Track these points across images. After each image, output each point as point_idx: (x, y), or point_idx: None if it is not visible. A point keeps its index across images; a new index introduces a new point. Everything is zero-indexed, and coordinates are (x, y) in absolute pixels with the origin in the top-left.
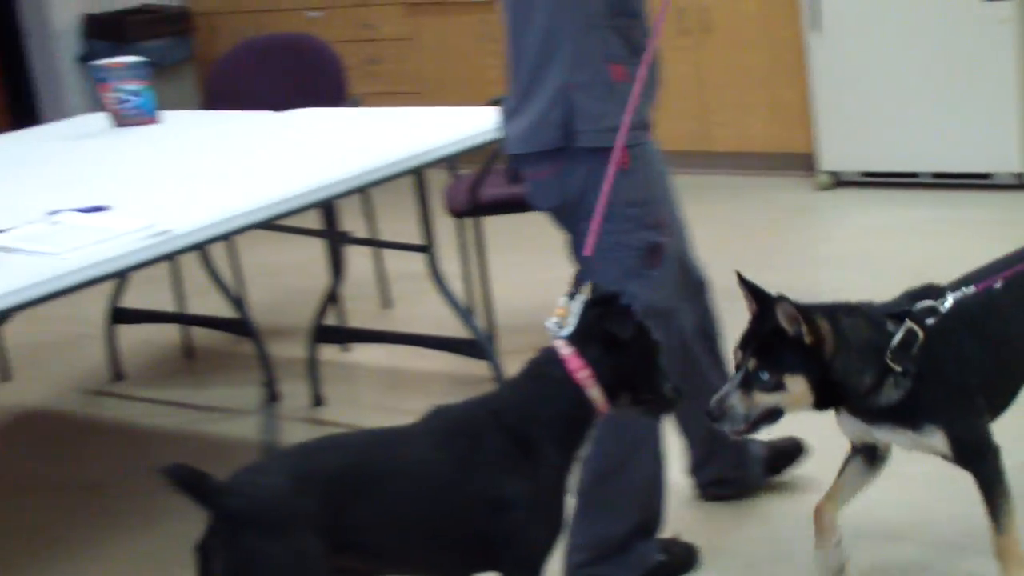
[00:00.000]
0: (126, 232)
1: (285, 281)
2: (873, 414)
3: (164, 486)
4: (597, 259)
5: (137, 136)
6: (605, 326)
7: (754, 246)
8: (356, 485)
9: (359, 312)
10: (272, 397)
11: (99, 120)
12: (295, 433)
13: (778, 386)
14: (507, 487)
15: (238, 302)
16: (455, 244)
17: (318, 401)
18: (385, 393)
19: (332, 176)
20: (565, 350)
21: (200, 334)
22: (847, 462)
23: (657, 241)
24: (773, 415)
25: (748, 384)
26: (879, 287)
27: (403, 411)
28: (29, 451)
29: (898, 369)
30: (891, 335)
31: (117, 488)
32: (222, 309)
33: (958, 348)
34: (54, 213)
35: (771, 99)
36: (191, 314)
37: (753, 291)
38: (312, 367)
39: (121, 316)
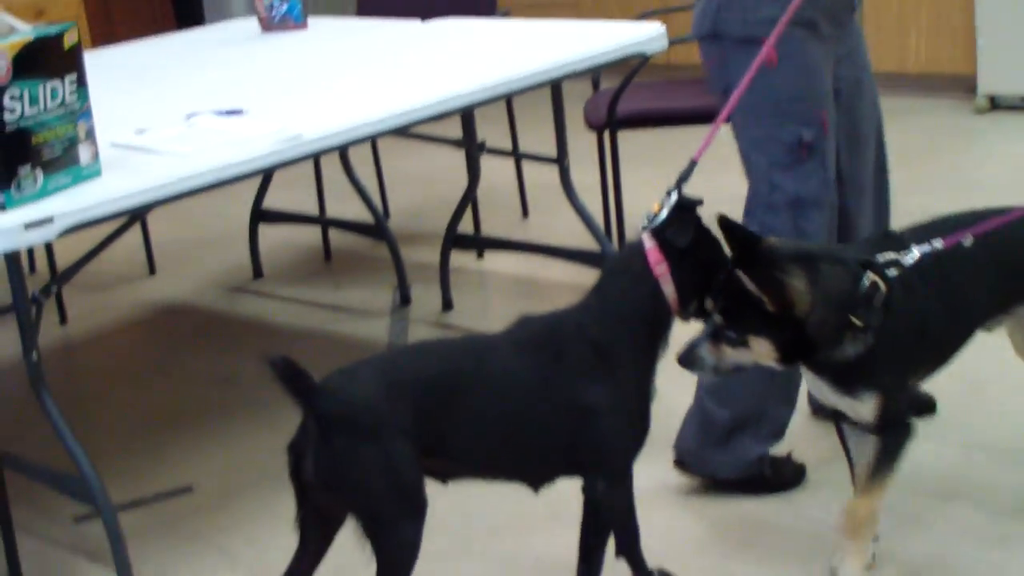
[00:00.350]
0: (256, 135)
1: (424, 188)
2: (822, 368)
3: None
4: (751, 149)
5: (282, 42)
6: (667, 233)
7: (907, 169)
8: (445, 392)
9: (495, 221)
10: (404, 300)
11: (250, 25)
12: (423, 336)
13: (743, 344)
14: (591, 394)
15: (376, 207)
16: (594, 158)
17: (448, 306)
18: (514, 302)
19: (467, 85)
20: (648, 242)
21: (338, 237)
22: (844, 440)
23: (806, 137)
24: (741, 368)
25: (717, 337)
26: None
27: None
28: (170, 343)
29: (859, 324)
30: (861, 287)
31: (252, 382)
32: (361, 213)
33: (917, 307)
34: (192, 116)
35: (933, 18)
36: (331, 217)
37: (733, 236)
38: (444, 273)
39: (263, 217)
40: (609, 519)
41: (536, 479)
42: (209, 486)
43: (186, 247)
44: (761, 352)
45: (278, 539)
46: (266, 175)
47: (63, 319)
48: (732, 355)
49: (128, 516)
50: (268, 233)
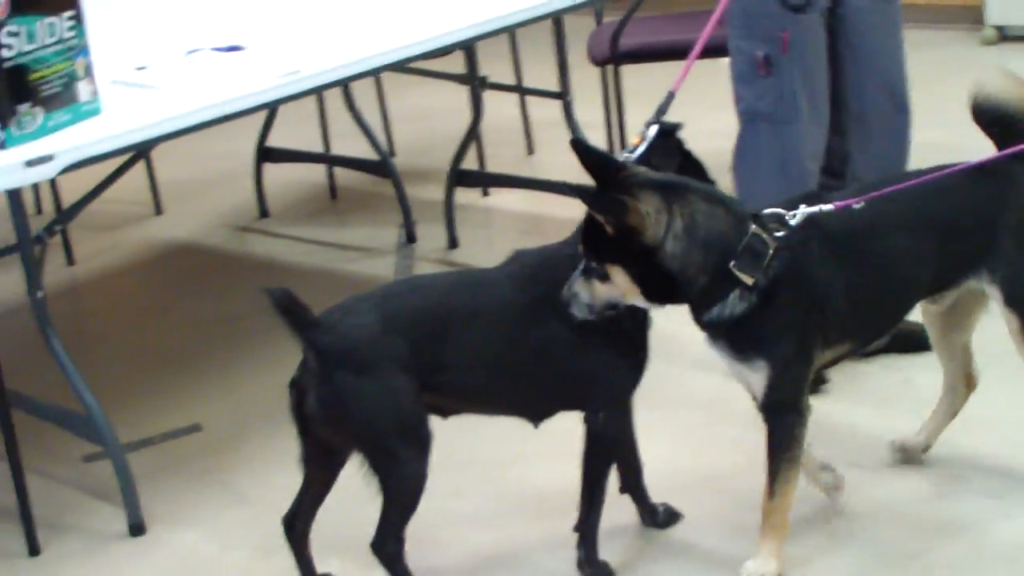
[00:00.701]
0: (257, 72)
1: (429, 125)
2: (713, 329)
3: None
4: (731, 57)
5: None
6: (652, 160)
7: (913, 100)
8: (441, 326)
9: (500, 158)
10: (410, 238)
11: None
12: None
13: (605, 276)
14: (587, 325)
15: (381, 145)
16: (598, 93)
17: (453, 244)
18: (519, 238)
19: (468, 19)
20: None
21: (343, 175)
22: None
23: (764, 52)
24: (615, 306)
25: (588, 272)
26: None
27: None
28: (176, 282)
29: (747, 280)
30: (743, 236)
31: (257, 321)
32: (366, 151)
33: (811, 273)
34: (191, 52)
35: None
36: (336, 155)
37: (587, 160)
38: (449, 210)
39: (269, 155)
40: (610, 452)
41: (535, 413)
42: (216, 425)
43: (192, 187)
44: (623, 286)
45: (285, 477)
46: (270, 113)
47: (70, 260)
48: (603, 291)
49: (136, 455)
50: (273, 172)
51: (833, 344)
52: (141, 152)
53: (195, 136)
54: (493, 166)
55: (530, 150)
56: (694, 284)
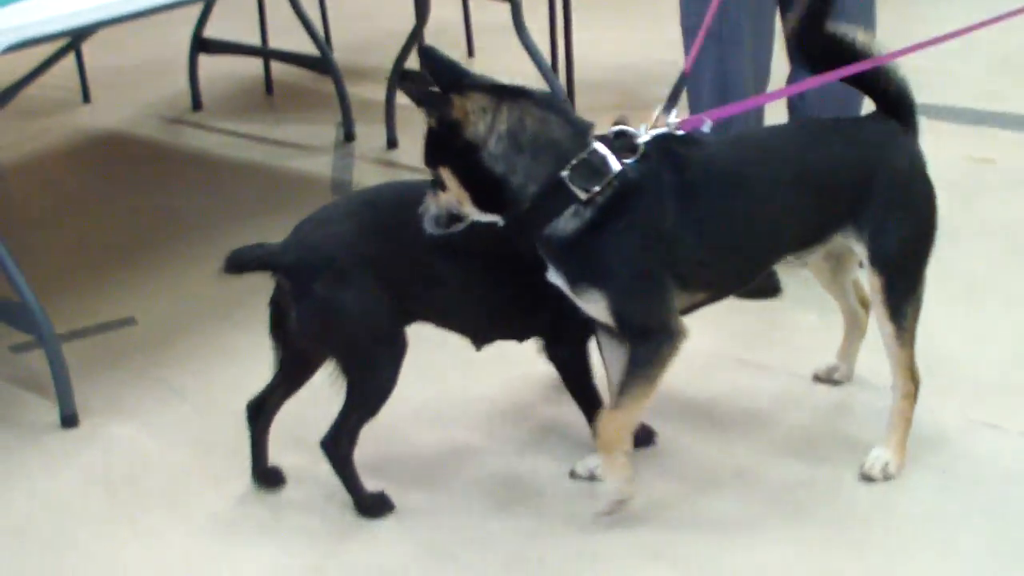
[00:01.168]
0: None
1: (371, 24)
2: (551, 250)
3: (236, 218)
4: None
5: None
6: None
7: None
8: (412, 239)
9: None
10: (348, 137)
11: None
12: (367, 173)
13: (443, 184)
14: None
15: (321, 40)
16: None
17: (392, 144)
18: None
19: None
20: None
21: (281, 70)
22: (600, 350)
23: None
24: (458, 218)
25: (432, 182)
26: (971, 72)
27: None
28: (106, 172)
29: (580, 195)
30: (579, 148)
31: (192, 215)
32: (305, 46)
33: (655, 203)
34: None
35: None
36: (274, 49)
37: (432, 66)
38: (390, 110)
39: (204, 46)
40: (581, 374)
41: (482, 338)
42: (152, 320)
43: (122, 75)
44: (455, 192)
45: (223, 374)
46: (207, 3)
47: None
48: (442, 200)
49: (68, 347)
50: (208, 64)
51: (692, 286)
52: (78, 37)
53: (128, 24)
54: None
55: (470, 53)
56: (523, 192)
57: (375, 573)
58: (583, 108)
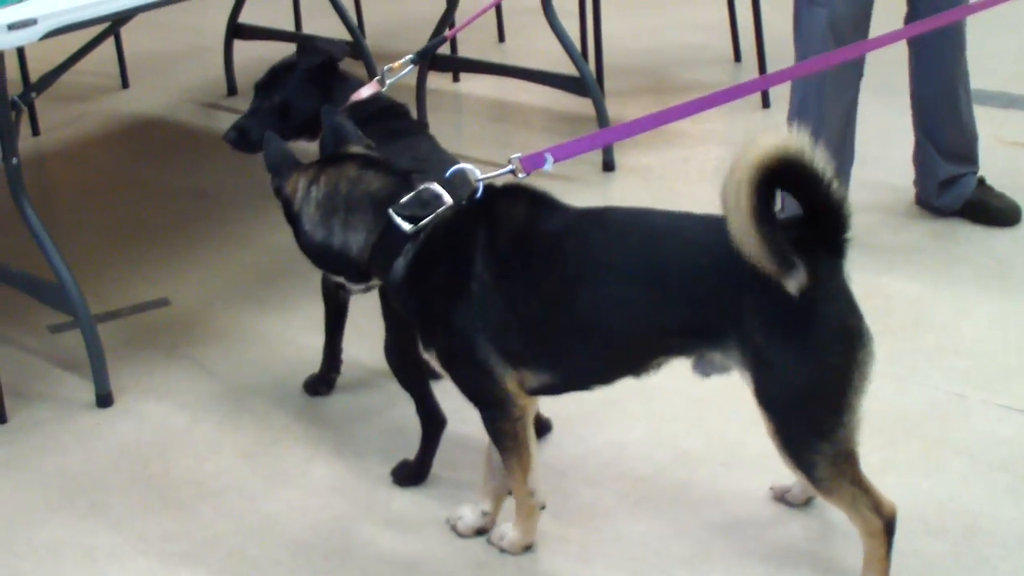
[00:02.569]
0: None
1: (403, 8)
2: (394, 298)
3: (269, 201)
4: None
5: None
6: None
7: None
8: None
9: (472, 43)
10: None
11: None
12: None
13: None
14: None
15: (353, 24)
16: None
17: (426, 134)
18: (488, 124)
19: None
20: None
21: None
22: None
23: None
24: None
25: None
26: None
27: (504, 143)
28: (144, 156)
29: (407, 228)
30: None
31: (225, 198)
32: (338, 31)
33: (463, 257)
34: None
35: None
36: (307, 34)
37: (327, 142)
38: (420, 93)
39: (239, 32)
40: None
41: None
42: (185, 300)
43: (160, 61)
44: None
45: (253, 354)
46: None
47: (35, 131)
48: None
49: (103, 327)
50: (243, 49)
51: (526, 364)
52: (118, 22)
53: (165, 9)
54: (464, 51)
55: (501, 37)
56: (357, 247)
57: (400, 563)
58: (613, 92)
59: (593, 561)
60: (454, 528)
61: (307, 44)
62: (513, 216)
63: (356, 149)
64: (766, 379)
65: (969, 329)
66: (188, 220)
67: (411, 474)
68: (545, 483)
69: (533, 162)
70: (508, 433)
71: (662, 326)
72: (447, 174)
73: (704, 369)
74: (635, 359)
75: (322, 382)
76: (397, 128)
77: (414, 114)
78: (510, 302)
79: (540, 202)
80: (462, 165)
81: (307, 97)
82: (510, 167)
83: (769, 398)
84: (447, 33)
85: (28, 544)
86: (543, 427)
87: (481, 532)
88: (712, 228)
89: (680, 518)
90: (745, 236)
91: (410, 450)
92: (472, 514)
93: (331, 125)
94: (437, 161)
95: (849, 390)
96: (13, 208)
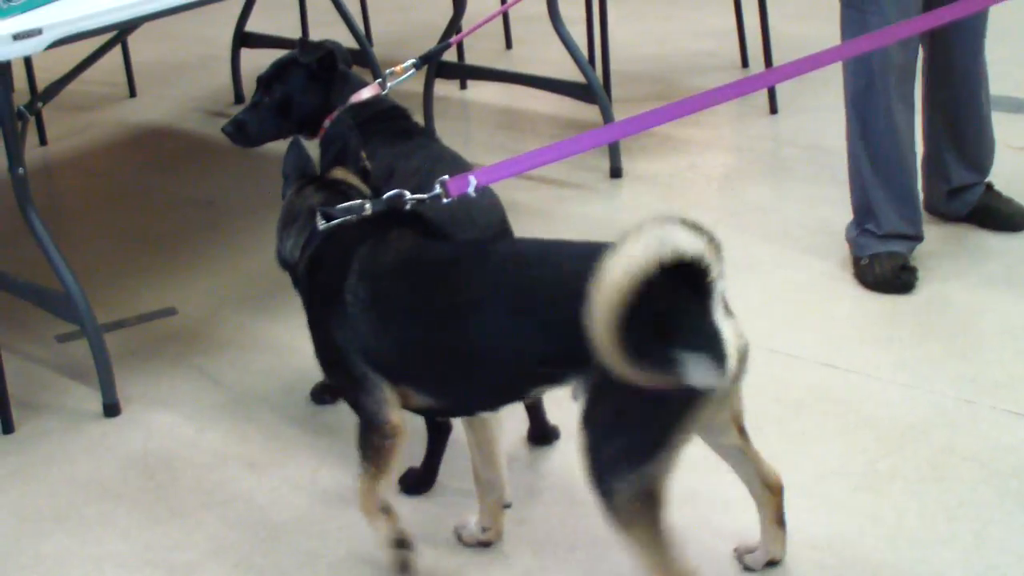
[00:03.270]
0: None
1: (409, 16)
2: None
3: (276, 210)
4: None
5: None
6: None
7: None
8: None
9: (479, 51)
10: None
11: None
12: None
13: None
14: None
15: (360, 32)
16: None
17: (433, 138)
18: (496, 132)
19: None
20: None
21: None
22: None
23: None
24: None
25: None
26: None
27: (512, 150)
28: (151, 166)
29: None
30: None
31: (232, 207)
32: (345, 39)
33: (331, 267)
34: None
35: None
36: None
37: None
38: (427, 101)
39: (246, 40)
40: None
41: None
42: (192, 310)
43: (167, 70)
44: None
45: (260, 363)
46: None
47: (43, 140)
48: None
49: (110, 337)
50: (250, 57)
51: (403, 383)
52: (123, 31)
53: (171, 19)
54: (471, 59)
55: (508, 44)
56: (294, 249)
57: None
58: (620, 99)
59: (600, 569)
60: (459, 537)
61: (308, 41)
62: (400, 240)
63: (338, 174)
64: (594, 400)
65: (977, 335)
66: (195, 229)
67: (417, 482)
68: (553, 491)
69: (459, 185)
70: (373, 446)
71: (535, 356)
72: (386, 194)
73: (577, 393)
74: (513, 388)
75: (329, 391)
76: (405, 128)
77: (416, 118)
78: (385, 323)
79: (430, 232)
80: (399, 191)
81: (308, 93)
82: (437, 191)
83: (590, 417)
84: (452, 39)
85: (35, 555)
86: (551, 434)
87: (484, 544)
88: (585, 257)
89: (689, 526)
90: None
91: (416, 458)
92: (477, 525)
93: (336, 136)
94: (450, 160)
95: (674, 428)
96: (20, 218)
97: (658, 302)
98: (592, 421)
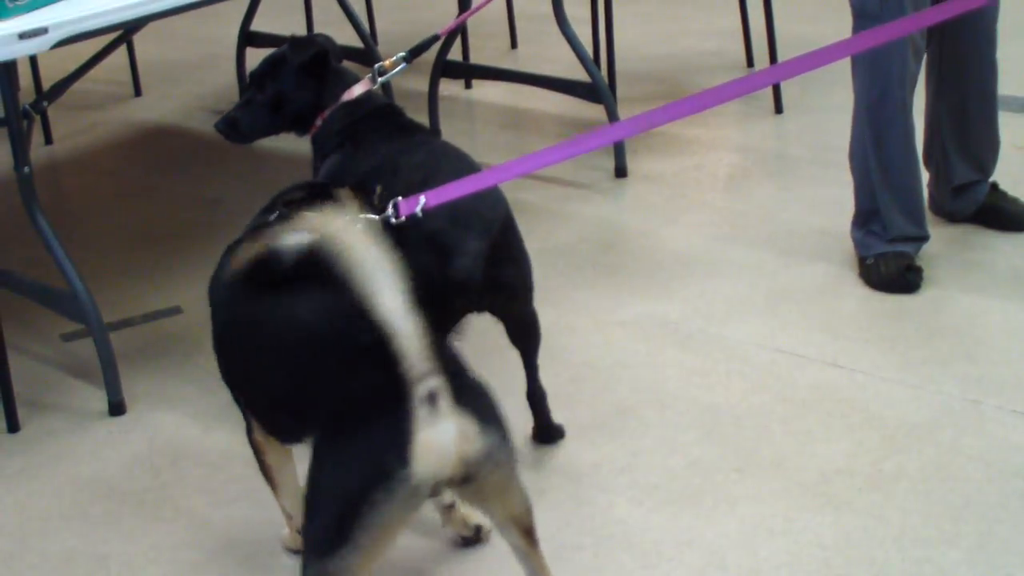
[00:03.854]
0: None
1: (415, 16)
2: None
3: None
4: None
5: None
6: None
7: None
8: None
9: (485, 50)
10: None
11: None
12: None
13: None
14: None
15: (366, 32)
16: None
17: (435, 135)
18: (502, 131)
19: None
20: None
21: None
22: None
23: None
24: None
25: None
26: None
27: (517, 150)
28: (157, 164)
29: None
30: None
31: (237, 206)
32: (350, 39)
33: (219, 292)
34: None
35: None
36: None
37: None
38: (433, 100)
39: (251, 40)
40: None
41: None
42: (198, 309)
43: (172, 69)
44: None
45: None
46: None
47: (48, 139)
48: None
49: (116, 336)
50: (255, 56)
51: (258, 411)
52: (129, 30)
53: (177, 18)
54: (477, 58)
55: (513, 44)
56: None
57: (412, 570)
58: (626, 99)
59: (606, 569)
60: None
61: (299, 38)
62: (261, 274)
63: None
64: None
65: (983, 335)
66: (201, 228)
67: None
68: (558, 490)
69: (409, 205)
70: (255, 453)
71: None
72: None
73: None
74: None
75: None
76: (402, 124)
77: (420, 118)
78: (225, 347)
79: (288, 271)
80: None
81: (299, 90)
82: (390, 212)
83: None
84: (441, 31)
85: (41, 554)
86: (556, 433)
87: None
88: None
89: (694, 526)
90: None
91: None
92: (456, 534)
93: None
94: (454, 155)
95: (355, 523)
96: (25, 217)
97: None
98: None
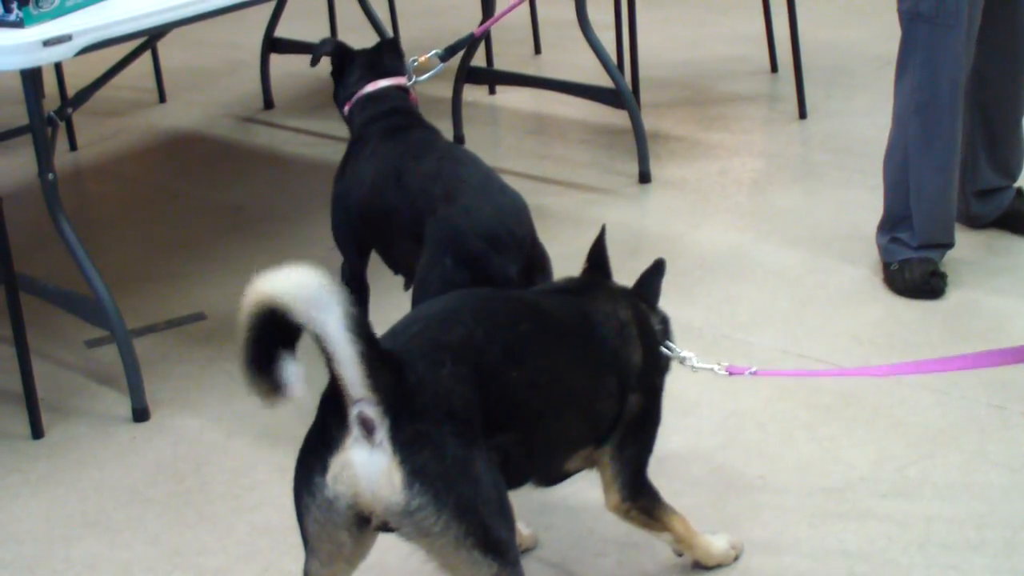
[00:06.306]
0: None
1: (438, 22)
2: None
3: (306, 215)
4: None
5: None
6: None
7: None
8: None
9: (508, 56)
10: None
11: None
12: None
13: None
14: None
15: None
16: None
17: (459, 141)
18: (525, 137)
19: None
20: None
21: None
22: None
23: None
24: None
25: None
26: None
27: (541, 156)
28: (180, 170)
29: None
30: None
31: (261, 212)
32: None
33: None
34: None
35: None
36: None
37: None
38: (456, 106)
39: (275, 46)
40: None
41: None
42: (221, 314)
43: (197, 76)
44: None
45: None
46: (278, 4)
47: (73, 146)
48: None
49: (140, 342)
50: (279, 63)
51: None
52: (153, 36)
53: (202, 25)
54: (500, 64)
55: (537, 50)
56: None
57: None
58: (649, 104)
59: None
60: None
61: (324, 41)
62: None
63: None
64: None
65: (1008, 340)
66: (224, 234)
67: None
68: (581, 497)
69: None
70: None
71: None
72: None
73: None
74: None
75: None
76: (400, 124)
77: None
78: None
79: None
80: None
81: (334, 72)
82: None
83: None
84: (476, 30)
85: (65, 559)
86: None
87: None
88: None
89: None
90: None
91: None
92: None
93: None
94: (469, 161)
95: (301, 524)
96: (50, 223)
97: None
98: None
